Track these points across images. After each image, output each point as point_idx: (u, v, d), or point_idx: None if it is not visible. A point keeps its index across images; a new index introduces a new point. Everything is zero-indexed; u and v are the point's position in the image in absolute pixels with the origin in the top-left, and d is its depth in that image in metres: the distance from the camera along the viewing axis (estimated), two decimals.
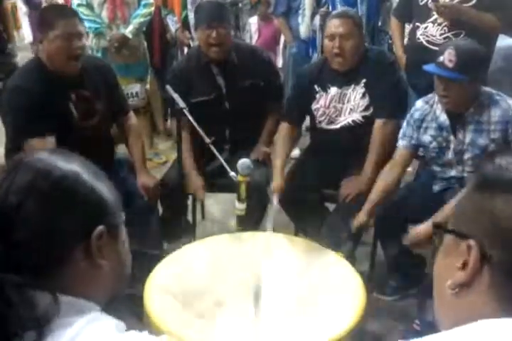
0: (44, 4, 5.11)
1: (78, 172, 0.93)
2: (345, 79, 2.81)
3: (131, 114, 2.93)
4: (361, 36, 2.80)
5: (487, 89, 2.46)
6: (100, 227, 0.92)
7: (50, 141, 2.47)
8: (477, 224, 0.82)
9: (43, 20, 2.52)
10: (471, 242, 0.81)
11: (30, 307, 0.84)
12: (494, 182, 0.83)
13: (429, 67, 2.39)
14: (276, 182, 2.74)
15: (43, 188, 0.88)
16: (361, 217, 2.58)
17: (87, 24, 3.69)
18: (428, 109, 2.54)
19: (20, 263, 0.86)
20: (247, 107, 2.95)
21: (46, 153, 0.95)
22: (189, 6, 4.57)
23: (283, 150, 2.92)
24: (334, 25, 2.73)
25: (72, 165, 0.93)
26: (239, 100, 2.94)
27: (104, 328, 0.89)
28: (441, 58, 2.33)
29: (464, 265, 0.82)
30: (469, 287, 0.82)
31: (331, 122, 2.87)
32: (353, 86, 2.80)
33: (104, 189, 0.95)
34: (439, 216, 2.26)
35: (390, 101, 2.77)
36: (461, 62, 2.28)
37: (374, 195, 2.61)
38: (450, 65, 2.30)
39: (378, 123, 2.76)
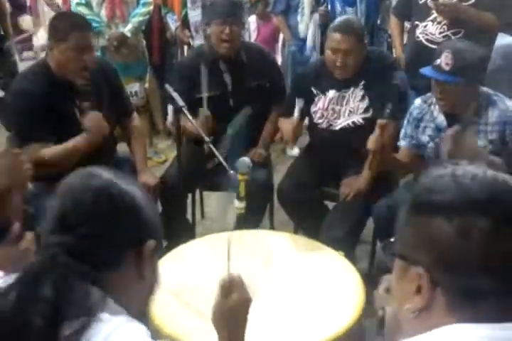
0: (42, 5, 5.10)
1: (134, 192, 1.08)
2: (344, 81, 2.80)
3: (135, 115, 2.93)
4: (364, 48, 2.74)
5: (485, 89, 2.46)
6: (152, 241, 1.06)
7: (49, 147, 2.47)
8: (419, 250, 0.82)
9: (55, 30, 2.49)
10: (419, 270, 0.81)
11: (84, 297, 0.95)
12: (426, 205, 0.82)
13: (425, 71, 2.37)
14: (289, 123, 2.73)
15: (104, 201, 1.04)
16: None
17: None
18: (426, 108, 2.54)
19: (84, 257, 0.99)
20: (251, 106, 2.94)
21: (106, 172, 1.09)
22: (189, 5, 4.56)
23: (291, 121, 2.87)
24: (337, 41, 2.66)
25: (129, 186, 1.08)
26: (244, 99, 2.93)
27: (137, 330, 0.98)
28: (437, 61, 2.31)
29: (418, 289, 0.82)
30: (428, 310, 0.83)
31: (329, 124, 2.86)
32: (352, 88, 2.79)
33: (153, 210, 1.12)
34: None
35: (391, 101, 2.76)
36: (457, 65, 2.27)
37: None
38: (447, 68, 2.29)
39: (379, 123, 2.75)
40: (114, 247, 1.03)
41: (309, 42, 4.18)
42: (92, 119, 2.52)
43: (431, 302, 0.82)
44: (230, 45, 2.85)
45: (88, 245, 1.01)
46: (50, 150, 2.47)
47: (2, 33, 3.83)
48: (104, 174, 1.08)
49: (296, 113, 2.71)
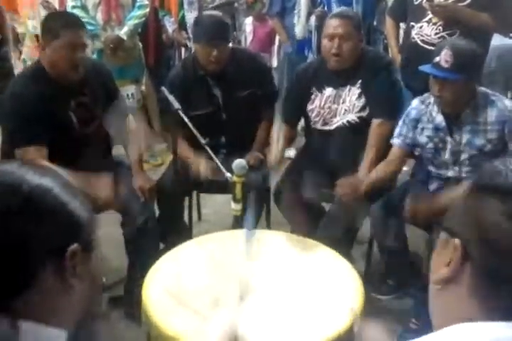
0: (38, 6, 5.09)
1: (50, 187, 0.86)
2: (341, 79, 2.81)
3: (130, 117, 2.93)
4: (360, 37, 2.80)
5: (483, 89, 2.46)
6: (74, 245, 0.86)
7: (41, 151, 2.46)
8: (465, 224, 0.84)
9: (47, 29, 2.49)
10: (456, 241, 0.83)
11: None
12: (487, 186, 0.84)
13: (425, 68, 2.39)
14: (274, 151, 2.73)
15: (10, 204, 0.82)
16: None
17: None
18: (424, 109, 2.54)
19: None
20: (243, 116, 2.95)
21: (17, 166, 0.87)
22: (186, 7, 4.58)
23: (280, 138, 2.88)
24: (333, 26, 2.73)
25: (43, 179, 0.87)
26: (236, 110, 2.93)
27: None
28: (437, 58, 2.32)
29: (450, 262, 0.84)
30: (451, 284, 0.84)
31: (325, 123, 2.87)
32: (348, 86, 2.80)
33: (78, 205, 0.89)
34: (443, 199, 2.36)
35: (387, 101, 2.77)
36: (457, 62, 2.28)
37: (368, 180, 2.65)
38: (446, 65, 2.30)
39: (375, 123, 2.77)
40: (25, 264, 0.81)
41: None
42: (101, 188, 2.50)
43: (456, 275, 0.84)
44: (217, 66, 2.84)
45: None
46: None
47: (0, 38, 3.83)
48: (13, 169, 0.86)
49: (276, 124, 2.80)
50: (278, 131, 2.89)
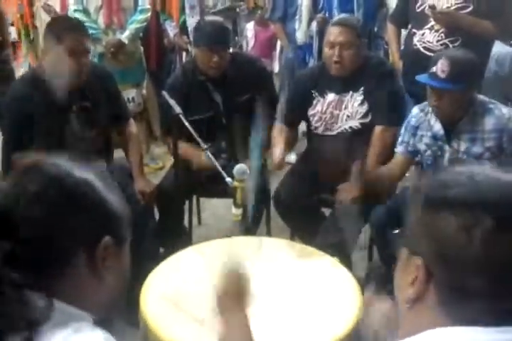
0: (35, 7, 5.10)
1: (91, 182, 0.93)
2: (344, 85, 2.81)
3: (132, 121, 2.93)
4: (361, 44, 2.80)
5: (480, 97, 2.47)
6: (107, 238, 0.92)
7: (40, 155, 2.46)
8: (422, 242, 0.84)
9: (50, 33, 2.49)
10: (418, 260, 0.83)
11: (24, 307, 0.84)
12: (437, 199, 0.84)
13: (421, 78, 2.39)
14: (276, 154, 2.71)
15: (53, 195, 0.89)
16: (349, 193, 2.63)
17: None
18: (423, 117, 2.55)
19: (24, 262, 0.86)
20: (243, 121, 2.94)
21: (62, 160, 0.95)
22: (187, 11, 4.58)
23: (282, 138, 2.89)
24: (334, 34, 2.73)
25: (86, 173, 0.94)
26: (236, 115, 2.93)
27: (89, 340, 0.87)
28: (434, 68, 2.33)
29: (414, 281, 0.84)
30: (418, 302, 0.84)
31: (327, 129, 2.87)
32: (351, 92, 2.81)
33: (116, 201, 0.96)
34: None
35: (390, 108, 2.77)
36: (453, 72, 2.28)
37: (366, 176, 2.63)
38: (443, 75, 2.30)
39: (378, 129, 2.77)
40: (62, 249, 0.89)
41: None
42: None
43: (423, 294, 0.83)
44: (217, 71, 2.85)
45: (29, 250, 0.86)
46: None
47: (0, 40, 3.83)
48: (59, 163, 0.94)
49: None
50: (279, 134, 2.90)
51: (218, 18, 3.06)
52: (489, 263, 0.78)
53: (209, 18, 3.14)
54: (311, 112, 2.89)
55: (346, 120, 2.82)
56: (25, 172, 0.92)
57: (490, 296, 0.79)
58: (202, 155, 2.74)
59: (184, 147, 2.78)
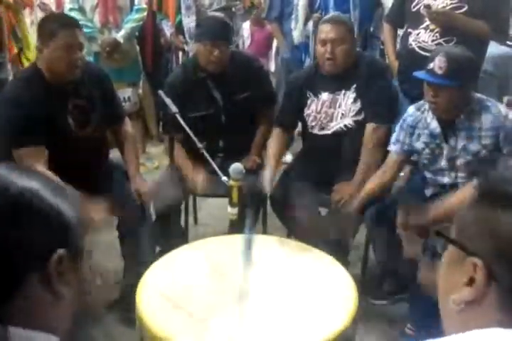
0: (35, 7, 5.09)
1: (37, 190, 0.82)
2: (337, 84, 2.82)
3: (127, 120, 2.93)
4: (353, 41, 2.83)
5: (478, 95, 2.48)
6: (60, 251, 0.81)
7: (42, 151, 2.46)
8: (481, 240, 0.78)
9: (44, 30, 2.49)
10: (477, 261, 0.78)
11: None
12: (498, 195, 0.79)
13: (419, 74, 2.40)
14: (268, 173, 2.74)
15: None
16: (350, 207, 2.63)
17: None
18: (420, 115, 2.55)
19: None
20: (242, 119, 2.96)
21: (3, 168, 0.84)
22: (183, 11, 4.59)
23: (275, 151, 2.94)
24: (326, 31, 2.76)
25: (31, 181, 0.83)
26: (235, 113, 2.95)
27: None
28: (431, 65, 2.34)
29: (471, 281, 0.79)
30: (477, 304, 0.79)
31: (322, 128, 2.88)
32: (343, 91, 2.82)
33: (66, 208, 0.85)
34: (438, 209, 2.32)
35: (381, 106, 2.79)
36: (451, 68, 2.30)
37: (363, 193, 2.64)
38: (440, 71, 2.31)
39: (370, 127, 2.78)
40: (9, 270, 0.78)
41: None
42: (92, 212, 2.40)
43: (482, 297, 0.78)
44: (218, 66, 2.86)
45: None
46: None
47: None
48: (2, 171, 0.83)
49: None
50: (274, 146, 2.93)
51: (219, 14, 3.09)
52: None
53: (210, 14, 3.15)
54: (306, 112, 2.90)
55: (341, 118, 2.83)
56: None
57: None
58: (199, 177, 2.78)
59: (181, 157, 2.80)
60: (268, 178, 2.71)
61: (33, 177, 0.84)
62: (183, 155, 2.88)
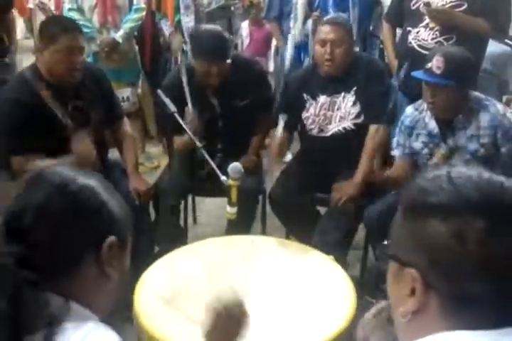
0: (32, 7, 5.10)
1: (93, 187, 1.00)
2: (335, 86, 2.81)
3: (125, 119, 2.93)
4: (351, 43, 2.82)
5: (476, 94, 2.47)
6: (111, 238, 0.98)
7: (37, 155, 2.46)
8: (414, 251, 0.81)
9: (45, 33, 2.49)
10: (413, 273, 0.80)
11: (42, 307, 0.88)
12: (419, 207, 0.81)
13: (417, 74, 2.40)
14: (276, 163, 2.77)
15: (59, 201, 0.96)
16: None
17: None
18: (418, 115, 2.55)
19: (37, 265, 0.91)
20: (240, 125, 2.93)
21: (64, 168, 1.02)
22: (182, 11, 4.56)
23: (280, 143, 2.93)
24: (325, 32, 2.74)
25: (88, 180, 1.01)
26: (233, 118, 2.91)
27: (106, 338, 0.93)
28: (429, 65, 2.34)
29: (412, 292, 0.81)
30: (421, 314, 0.81)
31: (321, 130, 2.87)
32: (343, 94, 2.80)
33: (116, 204, 1.02)
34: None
35: (382, 107, 2.78)
36: (449, 68, 2.29)
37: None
38: (438, 71, 2.31)
39: (372, 129, 2.77)
40: (70, 251, 0.96)
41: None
42: (81, 145, 2.50)
43: (424, 305, 0.80)
44: (216, 80, 2.79)
45: (40, 253, 0.92)
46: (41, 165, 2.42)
47: (7, 44, 3.82)
48: (63, 171, 1.01)
49: (279, 130, 2.74)
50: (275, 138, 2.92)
51: (216, 28, 2.93)
52: (488, 267, 0.76)
53: (207, 27, 3.02)
54: (304, 115, 2.88)
55: (339, 121, 2.82)
56: (30, 180, 1.00)
57: (492, 300, 0.77)
58: (184, 137, 2.70)
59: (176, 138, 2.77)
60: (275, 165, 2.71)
61: (90, 176, 1.02)
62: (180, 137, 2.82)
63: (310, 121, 2.88)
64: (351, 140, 2.79)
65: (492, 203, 0.78)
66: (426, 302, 0.80)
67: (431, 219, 0.79)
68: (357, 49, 3.31)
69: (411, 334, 0.83)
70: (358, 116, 2.80)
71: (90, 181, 1.01)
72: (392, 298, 0.87)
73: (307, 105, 2.87)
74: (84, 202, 0.98)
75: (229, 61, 2.80)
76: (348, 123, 2.81)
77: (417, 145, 2.56)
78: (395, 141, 2.65)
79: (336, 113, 2.82)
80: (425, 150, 2.54)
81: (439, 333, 0.79)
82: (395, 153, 2.65)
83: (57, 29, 2.45)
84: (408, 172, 2.68)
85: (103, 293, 1.01)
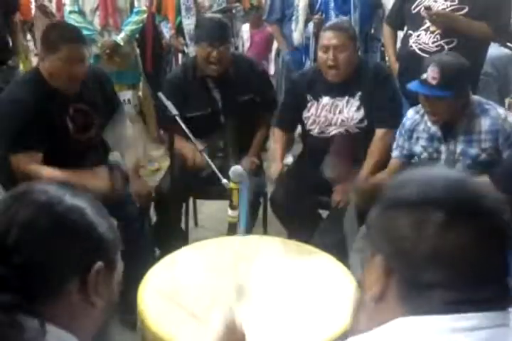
0: (33, 8, 5.10)
1: (82, 208, 0.93)
2: (339, 90, 2.81)
3: (127, 122, 2.92)
4: (355, 48, 2.82)
5: (476, 98, 2.46)
6: (99, 263, 0.92)
7: (37, 157, 2.45)
8: (382, 240, 0.87)
9: (47, 41, 2.48)
10: (379, 257, 0.87)
11: (16, 331, 0.83)
12: (393, 200, 0.88)
13: (412, 86, 2.38)
14: (276, 164, 2.78)
15: (45, 222, 0.89)
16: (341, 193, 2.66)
17: None
18: (419, 119, 2.54)
19: (17, 287, 0.85)
20: (242, 121, 2.95)
21: (53, 186, 0.95)
22: (183, 13, 4.57)
23: (280, 144, 2.96)
24: (328, 37, 2.74)
25: (77, 200, 0.94)
26: (234, 114, 2.94)
27: None
28: (424, 75, 2.32)
29: (379, 278, 0.87)
30: (383, 299, 0.87)
31: (322, 131, 2.87)
32: (347, 98, 2.80)
33: (106, 226, 0.96)
34: None
35: (389, 112, 2.78)
36: (444, 79, 2.27)
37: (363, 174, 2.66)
38: (434, 82, 2.29)
39: (379, 133, 2.77)
40: (54, 275, 0.89)
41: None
42: (100, 182, 2.51)
43: (385, 291, 0.87)
44: (218, 67, 2.85)
45: (22, 276, 0.86)
46: (52, 173, 2.42)
47: (11, 48, 3.83)
48: (50, 189, 0.94)
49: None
50: (278, 143, 2.93)
51: (217, 15, 3.11)
52: (443, 256, 0.82)
53: (208, 15, 3.15)
54: (305, 115, 2.89)
55: (341, 124, 2.83)
56: (15, 197, 0.93)
57: (446, 288, 0.82)
58: (197, 153, 2.73)
59: (180, 143, 2.78)
60: (275, 168, 2.74)
61: (79, 196, 0.95)
62: (182, 139, 2.83)
63: (311, 121, 2.88)
64: (353, 141, 2.79)
65: (452, 197, 0.84)
66: (387, 288, 0.86)
67: (397, 210, 0.86)
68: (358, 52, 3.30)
69: (374, 319, 0.88)
70: (361, 121, 2.80)
71: (79, 201, 0.94)
72: (367, 286, 0.92)
73: (309, 105, 2.87)
74: (70, 224, 0.91)
75: (230, 48, 2.93)
76: (352, 128, 2.82)
77: (417, 149, 2.56)
78: (395, 143, 2.65)
79: (337, 116, 2.82)
80: (425, 155, 2.54)
81: (394, 320, 0.84)
82: (394, 154, 2.65)
83: (58, 38, 2.43)
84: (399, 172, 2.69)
85: (87, 319, 0.95)
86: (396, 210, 0.86)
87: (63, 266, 0.89)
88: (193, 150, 2.76)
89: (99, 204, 0.99)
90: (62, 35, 2.46)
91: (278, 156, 2.89)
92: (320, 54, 2.78)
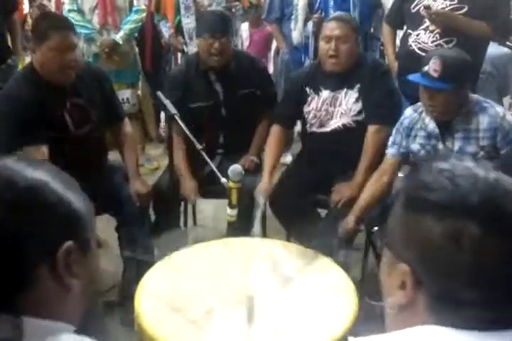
0: (34, 8, 5.09)
1: (46, 182, 0.82)
2: (338, 82, 2.82)
3: (126, 120, 2.93)
4: (357, 40, 2.83)
5: (475, 96, 2.47)
6: (68, 243, 0.82)
7: (42, 150, 2.46)
8: (407, 246, 0.81)
9: (36, 31, 2.50)
10: (405, 267, 0.80)
11: None
12: (419, 203, 0.80)
13: (414, 77, 2.39)
14: (264, 183, 2.75)
15: (5, 199, 0.79)
16: (349, 224, 2.58)
17: (77, 30, 3.69)
18: (417, 117, 2.54)
19: None
20: (242, 115, 2.97)
21: (12, 160, 0.84)
22: (182, 12, 4.56)
23: (274, 152, 2.94)
24: (331, 28, 2.76)
25: (39, 173, 0.83)
26: (236, 108, 2.97)
27: None
28: (426, 68, 2.32)
29: (403, 285, 0.81)
30: (407, 308, 0.82)
31: (321, 125, 2.87)
32: (345, 89, 2.81)
33: (76, 200, 0.85)
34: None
35: (384, 108, 2.78)
36: (446, 71, 2.28)
37: (362, 201, 2.61)
38: (435, 74, 2.29)
39: (371, 129, 2.77)
40: (20, 261, 0.79)
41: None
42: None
43: (412, 301, 0.81)
44: (219, 59, 2.88)
45: None
46: None
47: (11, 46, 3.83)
48: (9, 164, 0.83)
49: None
50: (273, 144, 2.93)
51: (218, 9, 3.13)
52: (480, 272, 0.76)
53: (210, 9, 3.19)
54: (306, 110, 2.89)
55: (340, 117, 2.83)
56: None
57: (481, 305, 0.77)
58: (191, 188, 2.81)
59: (179, 158, 2.80)
60: (263, 189, 2.71)
61: (42, 169, 0.84)
62: (181, 155, 2.87)
63: (311, 115, 2.88)
64: (351, 138, 2.79)
65: (491, 210, 0.77)
66: (414, 298, 0.81)
67: (427, 216, 0.78)
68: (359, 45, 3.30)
69: (396, 326, 0.84)
70: (359, 113, 2.80)
71: (43, 175, 0.83)
72: (384, 287, 0.88)
73: (309, 99, 2.88)
74: (34, 201, 0.80)
75: (231, 41, 2.96)
76: (348, 120, 2.81)
77: (414, 146, 2.56)
78: (390, 140, 2.64)
79: (337, 108, 2.82)
80: (422, 153, 2.54)
81: (420, 326, 0.80)
82: (388, 151, 2.65)
83: (47, 26, 2.46)
84: (394, 172, 2.68)
85: (66, 304, 0.85)
86: (424, 215, 0.78)
87: (30, 248, 0.79)
88: (190, 185, 2.81)
89: (67, 176, 0.88)
90: (51, 24, 2.48)
91: (267, 169, 2.83)
92: (322, 44, 2.78)
